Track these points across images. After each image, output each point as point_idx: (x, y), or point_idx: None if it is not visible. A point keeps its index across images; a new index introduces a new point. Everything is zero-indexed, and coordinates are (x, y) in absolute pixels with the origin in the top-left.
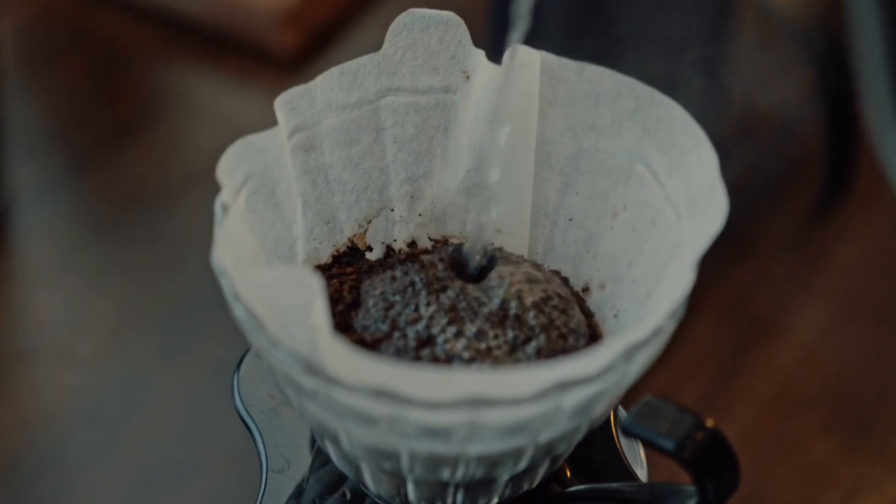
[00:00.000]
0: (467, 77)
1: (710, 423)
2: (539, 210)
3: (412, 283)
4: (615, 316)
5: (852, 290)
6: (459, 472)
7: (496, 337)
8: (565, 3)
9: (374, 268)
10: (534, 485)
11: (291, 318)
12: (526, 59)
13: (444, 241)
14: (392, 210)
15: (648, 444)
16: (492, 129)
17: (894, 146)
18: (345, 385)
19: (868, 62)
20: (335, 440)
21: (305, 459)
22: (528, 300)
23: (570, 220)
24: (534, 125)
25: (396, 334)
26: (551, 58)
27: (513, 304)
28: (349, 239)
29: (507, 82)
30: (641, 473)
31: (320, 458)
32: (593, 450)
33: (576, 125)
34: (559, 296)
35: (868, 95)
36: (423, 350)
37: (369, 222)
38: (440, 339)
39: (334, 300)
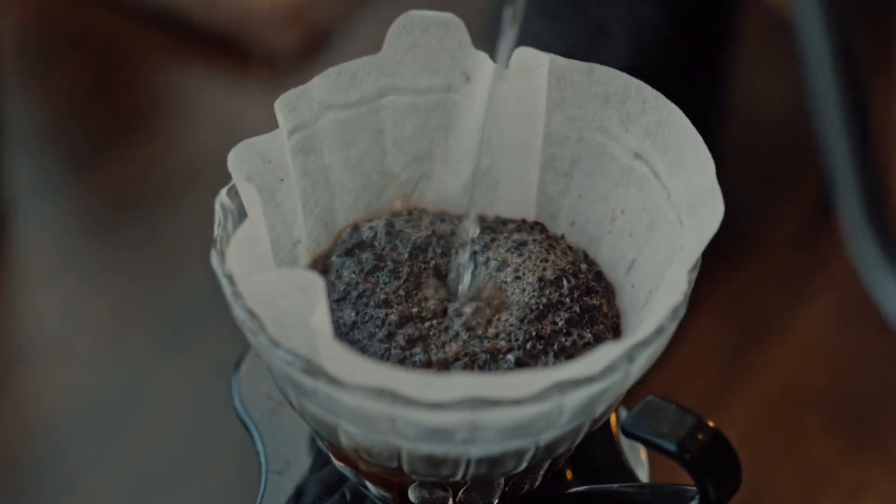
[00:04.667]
0: (468, 78)
1: (711, 423)
2: (543, 212)
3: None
4: None
5: (853, 291)
6: (460, 473)
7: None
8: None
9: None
10: (535, 485)
11: (291, 319)
12: (534, 62)
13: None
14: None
15: (649, 445)
16: (497, 131)
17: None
18: (345, 385)
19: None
20: (335, 440)
21: (305, 460)
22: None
23: (572, 223)
24: (540, 127)
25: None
26: (560, 60)
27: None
28: None
29: (514, 84)
30: (642, 474)
31: (320, 458)
32: (594, 450)
33: (582, 127)
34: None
35: (842, 206)
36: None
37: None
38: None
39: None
